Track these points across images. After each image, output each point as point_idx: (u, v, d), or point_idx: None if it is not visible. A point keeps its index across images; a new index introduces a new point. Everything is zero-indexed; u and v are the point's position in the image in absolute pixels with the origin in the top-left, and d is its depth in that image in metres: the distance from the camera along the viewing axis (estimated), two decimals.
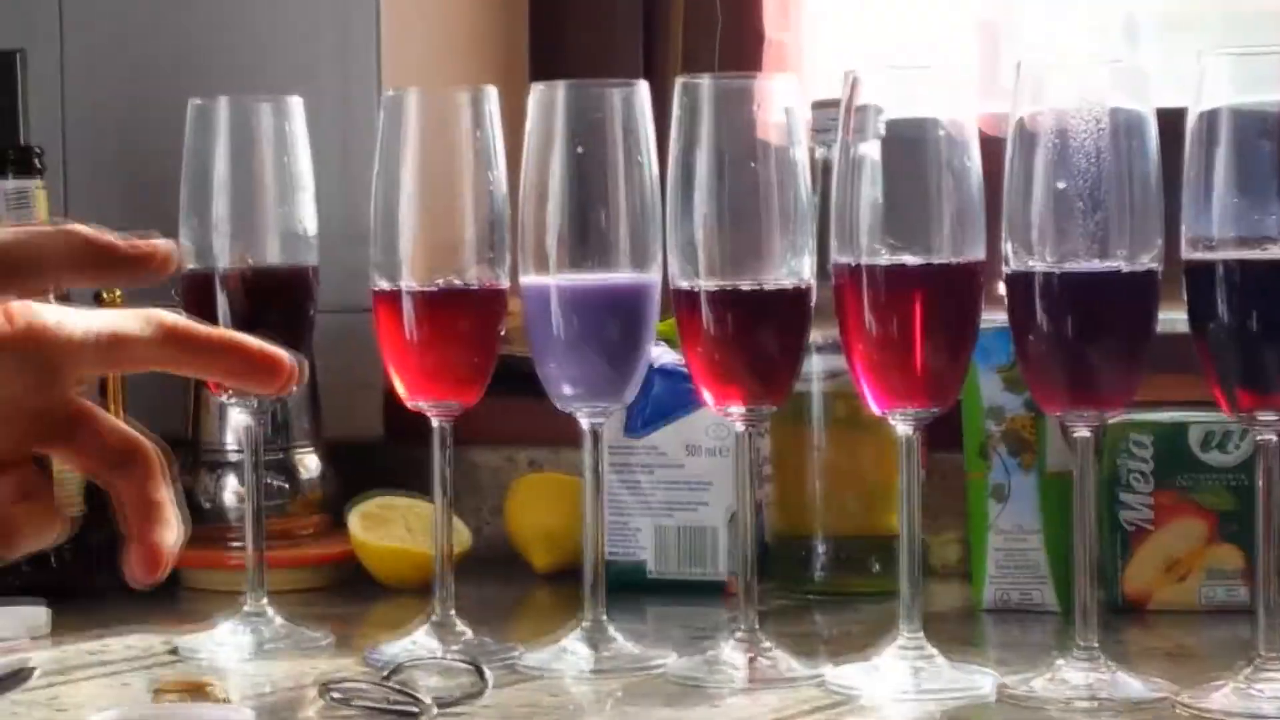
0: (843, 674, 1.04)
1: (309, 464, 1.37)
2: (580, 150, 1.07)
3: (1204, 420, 1.19)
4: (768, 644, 1.07)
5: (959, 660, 1.05)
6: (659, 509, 1.29)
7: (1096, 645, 1.01)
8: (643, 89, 1.08)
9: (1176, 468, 1.20)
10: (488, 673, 1.02)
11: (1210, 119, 0.95)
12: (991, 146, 1.02)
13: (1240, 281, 0.95)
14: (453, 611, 1.13)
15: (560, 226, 1.08)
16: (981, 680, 1.02)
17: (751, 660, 1.05)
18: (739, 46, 1.52)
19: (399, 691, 0.99)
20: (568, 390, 1.09)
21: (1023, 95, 0.99)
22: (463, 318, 1.12)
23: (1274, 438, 0.97)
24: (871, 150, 1.02)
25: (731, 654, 1.06)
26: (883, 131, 1.02)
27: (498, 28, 1.57)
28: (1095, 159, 0.97)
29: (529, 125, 1.09)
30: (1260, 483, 0.97)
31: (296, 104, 1.18)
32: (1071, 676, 1.00)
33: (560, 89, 1.08)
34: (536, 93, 1.09)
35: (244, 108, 1.17)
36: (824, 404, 1.27)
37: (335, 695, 1.00)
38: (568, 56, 1.55)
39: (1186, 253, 0.96)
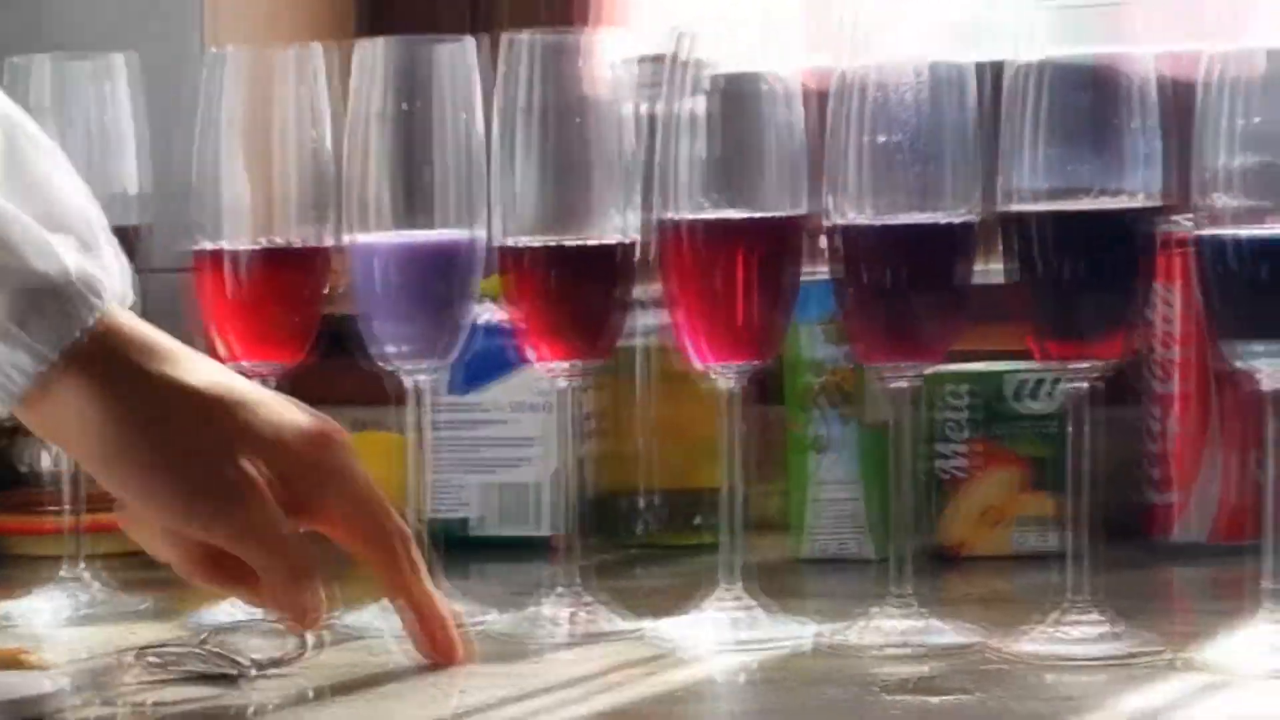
0: (663, 627, 1.05)
1: None
2: (405, 107, 1.07)
3: (1018, 370, 1.22)
4: (589, 599, 1.08)
5: (778, 611, 1.06)
6: (484, 466, 1.29)
7: (911, 593, 1.03)
8: (468, 45, 1.08)
9: (991, 417, 1.23)
10: (309, 635, 1.02)
11: (1027, 72, 0.96)
12: (814, 100, 1.03)
13: (1054, 233, 0.97)
14: None
15: (385, 184, 1.07)
16: (799, 630, 1.04)
17: (573, 615, 1.06)
18: (567, 1, 1.53)
19: (218, 654, 0.99)
20: (392, 349, 1.09)
21: (845, 49, 1.00)
22: (286, 277, 1.11)
23: (1085, 386, 0.99)
24: (696, 105, 1.03)
25: (553, 610, 1.07)
26: (708, 86, 1.03)
27: None
28: (915, 112, 0.98)
29: (353, 83, 1.08)
30: (1071, 431, 1.00)
31: (119, 61, 1.17)
32: (886, 624, 1.02)
33: (384, 46, 1.07)
34: (361, 50, 1.08)
35: (63, 66, 1.16)
36: (648, 359, 1.28)
37: (153, 660, 0.99)
38: (396, 12, 1.54)
39: (1003, 204, 0.98)
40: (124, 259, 0.93)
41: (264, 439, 0.92)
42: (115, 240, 0.93)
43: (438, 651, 0.98)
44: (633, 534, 1.30)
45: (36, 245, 0.89)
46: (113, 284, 0.92)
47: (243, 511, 0.91)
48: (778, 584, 1.17)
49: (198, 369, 0.93)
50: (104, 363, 0.90)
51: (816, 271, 1.04)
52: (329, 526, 0.97)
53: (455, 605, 1.02)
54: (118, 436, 0.90)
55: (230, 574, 0.95)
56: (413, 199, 1.07)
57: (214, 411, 0.91)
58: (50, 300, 0.89)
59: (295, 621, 0.95)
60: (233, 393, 0.93)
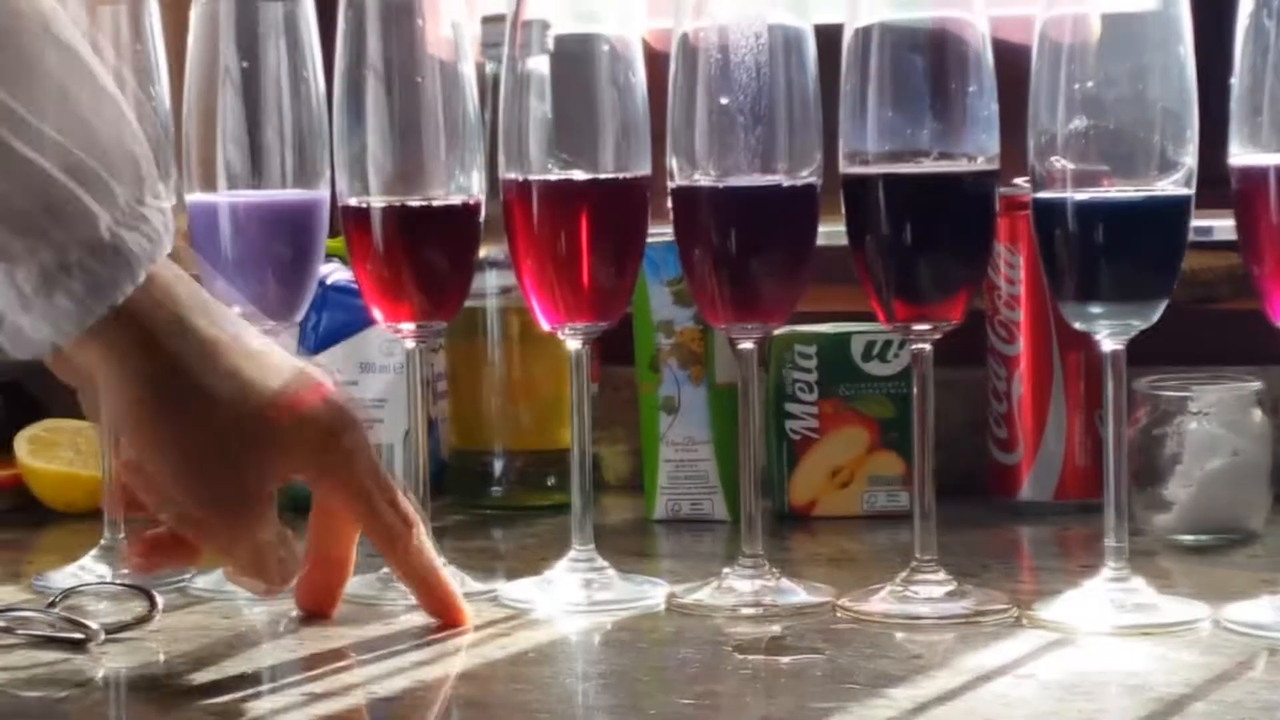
0: (516, 588, 1.05)
1: None
2: (245, 65, 1.06)
3: (866, 331, 1.23)
4: (442, 560, 1.07)
5: (631, 572, 1.06)
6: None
7: (762, 553, 1.03)
8: (306, 3, 1.07)
9: (839, 377, 1.23)
10: (158, 597, 1.01)
11: (865, 35, 0.96)
12: (661, 62, 1.03)
13: (894, 195, 0.97)
14: (122, 536, 1.11)
15: (225, 143, 1.06)
16: (652, 591, 1.04)
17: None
18: None
19: (66, 619, 0.98)
20: (237, 310, 1.08)
21: (685, 11, 0.99)
22: None
23: (928, 347, 1.00)
24: (539, 65, 1.02)
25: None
26: (550, 47, 1.02)
27: None
28: (755, 74, 0.98)
29: (191, 39, 1.07)
30: (916, 391, 1.01)
31: None
32: (738, 585, 1.02)
33: (223, 2, 1.06)
34: (199, 6, 1.07)
35: None
36: (498, 319, 1.28)
37: None
38: None
39: (844, 167, 0.98)
40: (163, 203, 0.90)
41: (278, 444, 0.92)
42: (155, 173, 0.89)
43: (442, 618, 1.00)
44: (487, 495, 1.29)
45: (78, 210, 0.85)
46: (161, 238, 0.89)
47: (244, 533, 0.92)
48: (630, 545, 1.18)
49: (227, 351, 0.91)
50: (126, 339, 0.88)
51: (665, 233, 1.04)
52: (332, 507, 0.98)
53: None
54: (129, 414, 0.89)
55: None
56: (254, 158, 1.06)
57: (236, 417, 0.90)
58: (80, 273, 0.86)
59: (255, 596, 0.99)
60: (255, 387, 0.91)
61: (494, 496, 1.29)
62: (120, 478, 0.97)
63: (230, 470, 0.91)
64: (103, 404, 0.90)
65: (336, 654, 0.95)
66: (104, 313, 0.87)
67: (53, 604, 1.02)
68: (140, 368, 0.89)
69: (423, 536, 0.99)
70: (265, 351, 0.93)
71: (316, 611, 1.01)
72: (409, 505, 0.98)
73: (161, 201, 0.89)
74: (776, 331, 1.22)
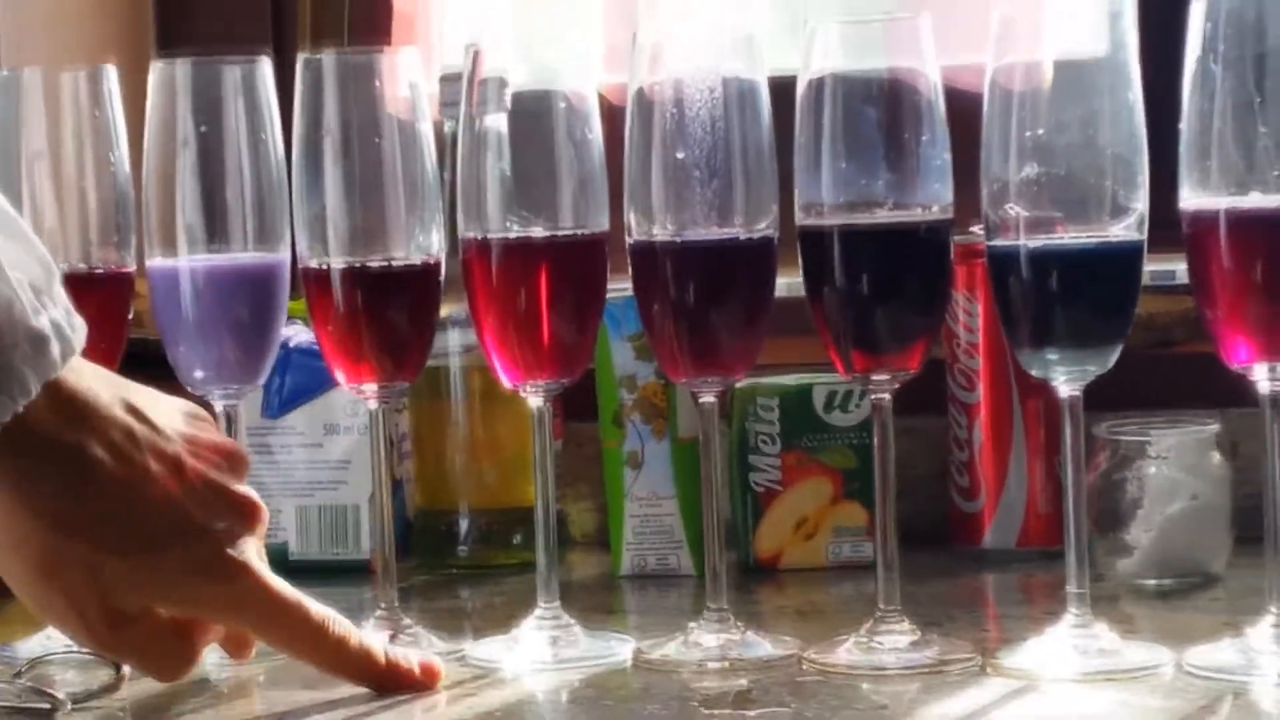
0: (482, 648, 1.05)
1: None
2: (203, 129, 1.06)
3: (827, 382, 1.23)
4: (408, 621, 1.07)
5: (597, 628, 1.07)
6: (300, 489, 1.28)
7: (727, 607, 1.03)
8: (264, 65, 1.07)
9: (802, 429, 1.24)
10: (124, 665, 1.01)
11: (818, 86, 0.97)
12: (618, 116, 1.04)
13: (850, 246, 0.98)
14: None
15: (185, 207, 1.06)
16: (618, 647, 1.04)
17: (392, 638, 1.05)
18: (368, 18, 1.52)
19: (32, 689, 0.97)
20: (199, 374, 1.08)
21: (640, 65, 1.00)
22: (88, 302, 1.09)
23: (887, 397, 1.00)
24: (497, 123, 1.03)
25: (372, 633, 1.06)
26: (508, 104, 1.03)
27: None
28: (710, 128, 0.99)
29: (150, 104, 1.07)
30: (876, 442, 1.01)
31: None
32: (704, 639, 1.03)
33: (180, 65, 1.06)
34: (156, 70, 1.07)
35: None
36: (461, 378, 1.28)
37: None
38: (195, 29, 1.53)
39: (800, 219, 0.99)
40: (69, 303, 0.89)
41: (158, 585, 0.91)
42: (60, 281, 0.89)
43: (408, 687, 0.98)
44: (454, 554, 1.29)
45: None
46: (71, 338, 0.88)
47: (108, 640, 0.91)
48: (597, 601, 1.18)
49: (100, 466, 0.89)
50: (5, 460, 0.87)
51: (625, 288, 1.04)
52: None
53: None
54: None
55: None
56: (213, 221, 1.06)
57: (99, 553, 0.89)
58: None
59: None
60: (134, 506, 0.89)
61: (460, 556, 1.29)
62: None
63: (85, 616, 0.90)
64: None
65: (306, 715, 0.95)
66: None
67: (18, 674, 1.01)
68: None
69: (337, 627, 0.96)
70: (147, 480, 0.90)
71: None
72: (311, 607, 0.95)
73: (45, 318, 0.87)
74: (738, 384, 1.23)
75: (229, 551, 0.92)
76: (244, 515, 0.93)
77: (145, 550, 0.90)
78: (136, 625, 0.91)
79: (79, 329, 0.89)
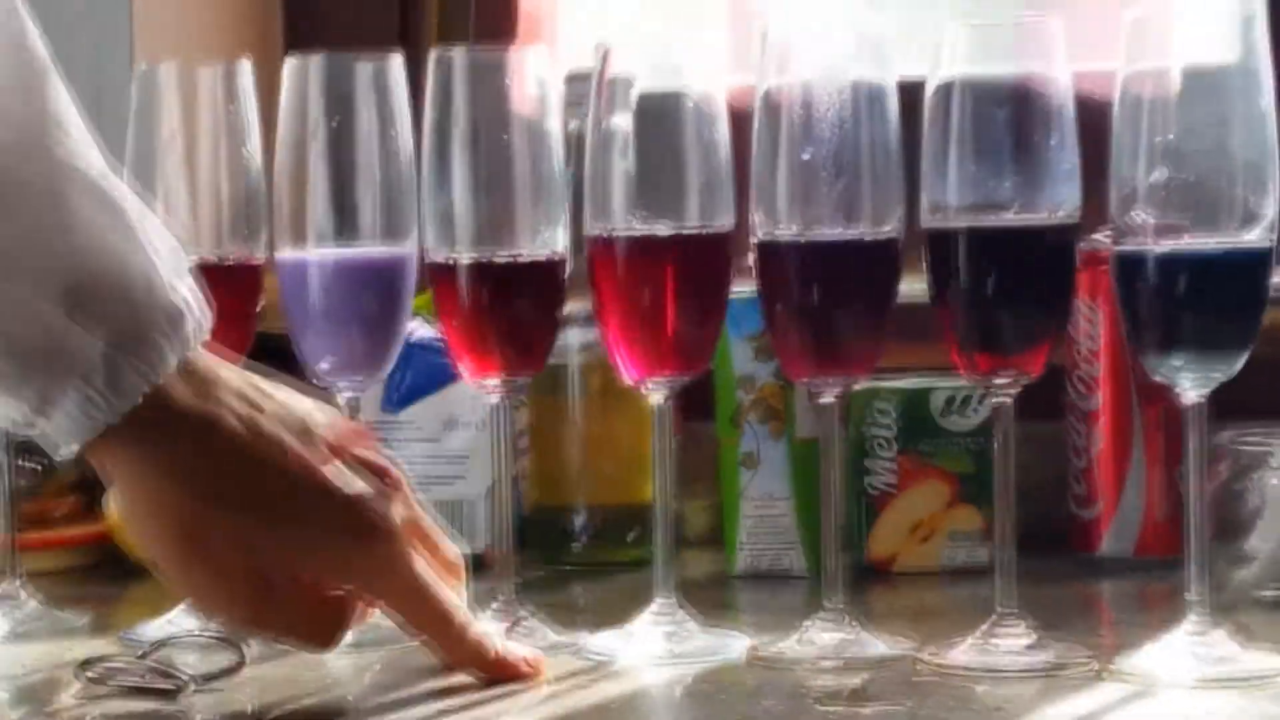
0: (598, 640, 1.06)
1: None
2: (335, 123, 1.08)
3: (945, 386, 1.23)
4: (524, 613, 1.08)
5: (711, 625, 1.07)
6: (418, 483, 1.29)
7: (842, 606, 1.04)
8: (395, 61, 1.09)
9: (919, 433, 1.24)
10: (246, 649, 1.02)
11: (947, 89, 0.97)
12: (743, 119, 1.04)
13: (976, 247, 0.98)
14: None
15: (315, 200, 1.08)
16: (733, 643, 1.05)
17: (509, 629, 1.06)
18: (495, 16, 1.53)
19: (156, 669, 0.99)
20: (325, 364, 1.10)
21: (768, 67, 1.01)
22: (218, 294, 1.11)
23: (1009, 400, 1.00)
24: (623, 122, 1.04)
25: (489, 623, 1.07)
26: (634, 104, 1.04)
27: None
28: (838, 128, 0.99)
29: (283, 99, 1.09)
30: (997, 445, 1.01)
31: None
32: (819, 637, 1.03)
33: (313, 61, 1.08)
34: (289, 66, 1.09)
35: None
36: (580, 375, 1.29)
37: (92, 675, 0.99)
38: (324, 27, 1.55)
39: (926, 220, 0.99)
40: (195, 290, 0.91)
41: (306, 543, 0.92)
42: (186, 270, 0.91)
43: (516, 680, 0.99)
44: (568, 550, 1.30)
45: (124, 298, 0.87)
46: (201, 320, 0.90)
47: (257, 612, 0.92)
48: (711, 598, 1.18)
49: (248, 444, 0.91)
50: (159, 429, 0.89)
51: (747, 288, 1.05)
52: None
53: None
54: (148, 513, 0.90)
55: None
56: (343, 214, 1.08)
57: (252, 513, 0.91)
58: (128, 359, 0.87)
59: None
60: (282, 476, 0.91)
61: (574, 552, 1.30)
62: None
63: (245, 575, 0.91)
64: (123, 504, 0.91)
65: (421, 702, 0.96)
66: (112, 420, 0.87)
67: (143, 655, 1.03)
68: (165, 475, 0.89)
69: (462, 613, 0.97)
70: (292, 455, 0.92)
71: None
72: (443, 589, 0.97)
73: (179, 296, 0.89)
74: (856, 387, 1.23)
75: (371, 517, 0.93)
76: (382, 480, 0.94)
77: (289, 518, 0.91)
78: (283, 594, 0.92)
79: (208, 311, 0.91)
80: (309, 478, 0.92)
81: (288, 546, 0.92)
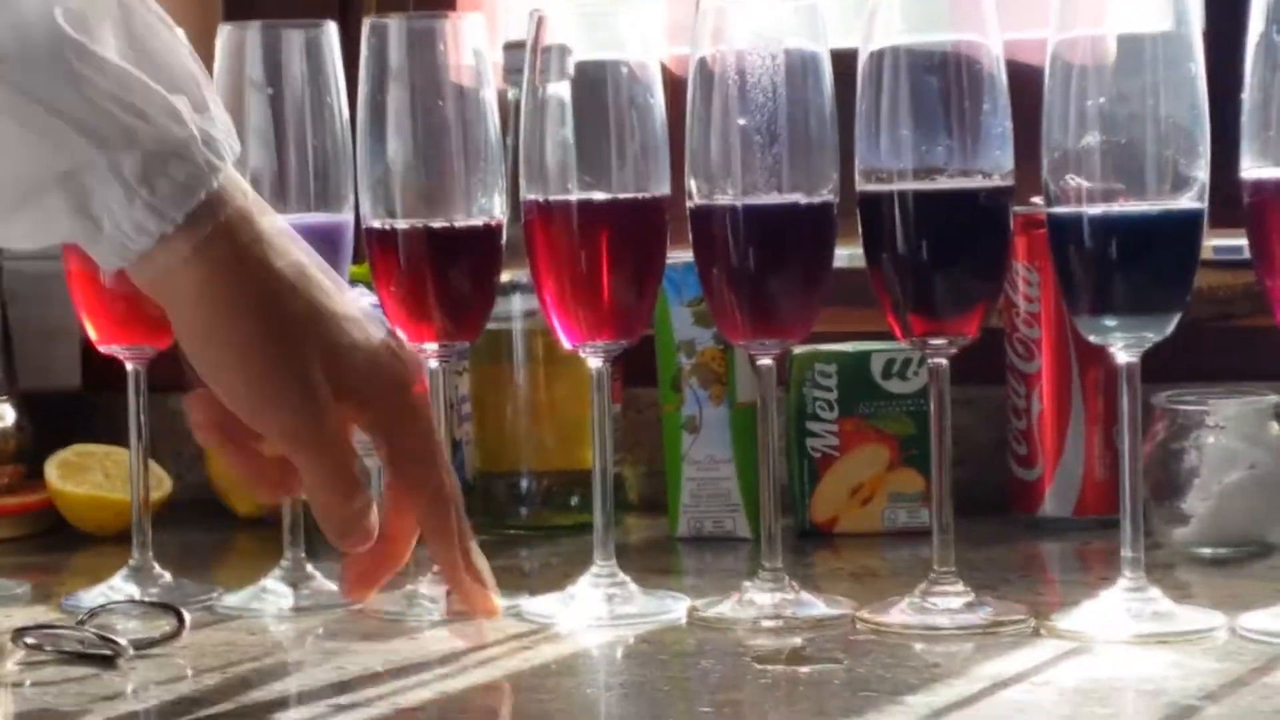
0: (539, 604, 1.06)
1: (3, 414, 1.35)
2: (269, 90, 1.08)
3: (885, 349, 1.24)
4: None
5: (653, 588, 1.08)
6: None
7: (782, 568, 1.04)
8: (330, 29, 1.09)
9: (860, 396, 1.24)
10: (185, 614, 1.02)
11: (879, 56, 0.98)
12: (680, 87, 1.05)
13: (909, 211, 0.99)
14: (151, 556, 1.13)
15: (251, 168, 1.08)
16: (673, 605, 1.05)
17: (448, 594, 1.06)
18: None
19: (95, 636, 0.99)
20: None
21: (703, 35, 1.01)
22: None
23: (945, 362, 1.01)
24: (560, 90, 1.04)
25: (429, 588, 1.07)
26: (571, 72, 1.04)
27: None
28: (773, 95, 1.00)
29: (217, 67, 1.09)
30: (933, 407, 1.02)
31: None
32: (758, 598, 1.03)
33: (248, 30, 1.08)
34: (224, 34, 1.09)
35: None
36: (523, 342, 1.29)
37: (30, 641, 0.99)
38: None
39: (860, 185, 1.00)
40: (226, 115, 0.92)
41: (347, 364, 0.93)
42: (218, 97, 0.93)
43: (475, 608, 1.02)
44: (513, 515, 1.31)
45: (163, 107, 0.89)
46: (231, 143, 0.92)
47: (309, 420, 0.92)
48: (653, 562, 1.19)
49: (300, 266, 0.93)
50: (217, 236, 0.90)
51: (685, 255, 1.05)
52: (400, 474, 0.98)
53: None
54: (211, 317, 0.91)
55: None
56: (280, 183, 1.08)
57: (308, 323, 0.92)
58: (177, 162, 0.89)
59: (338, 536, 0.95)
60: (328, 304, 0.93)
61: (519, 517, 1.31)
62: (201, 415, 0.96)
63: (287, 359, 0.92)
64: (176, 317, 0.91)
65: (362, 666, 0.96)
66: (202, 198, 0.89)
67: (81, 622, 1.03)
68: (198, 285, 0.90)
69: (463, 518, 1.00)
70: (337, 288, 0.95)
71: (356, 593, 1.00)
72: (456, 486, 1.00)
73: (217, 112, 0.91)
74: (796, 351, 1.24)
75: (406, 364, 0.96)
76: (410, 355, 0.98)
77: (343, 343, 0.93)
78: (327, 417, 0.93)
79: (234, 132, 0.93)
80: (354, 316, 0.94)
81: (342, 369, 0.93)
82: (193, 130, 0.89)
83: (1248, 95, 0.94)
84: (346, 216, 1.09)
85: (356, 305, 0.96)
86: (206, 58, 1.09)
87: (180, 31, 0.93)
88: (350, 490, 0.94)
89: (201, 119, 0.90)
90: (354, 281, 1.16)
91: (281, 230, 0.93)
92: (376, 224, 1.07)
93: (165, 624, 1.02)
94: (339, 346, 0.93)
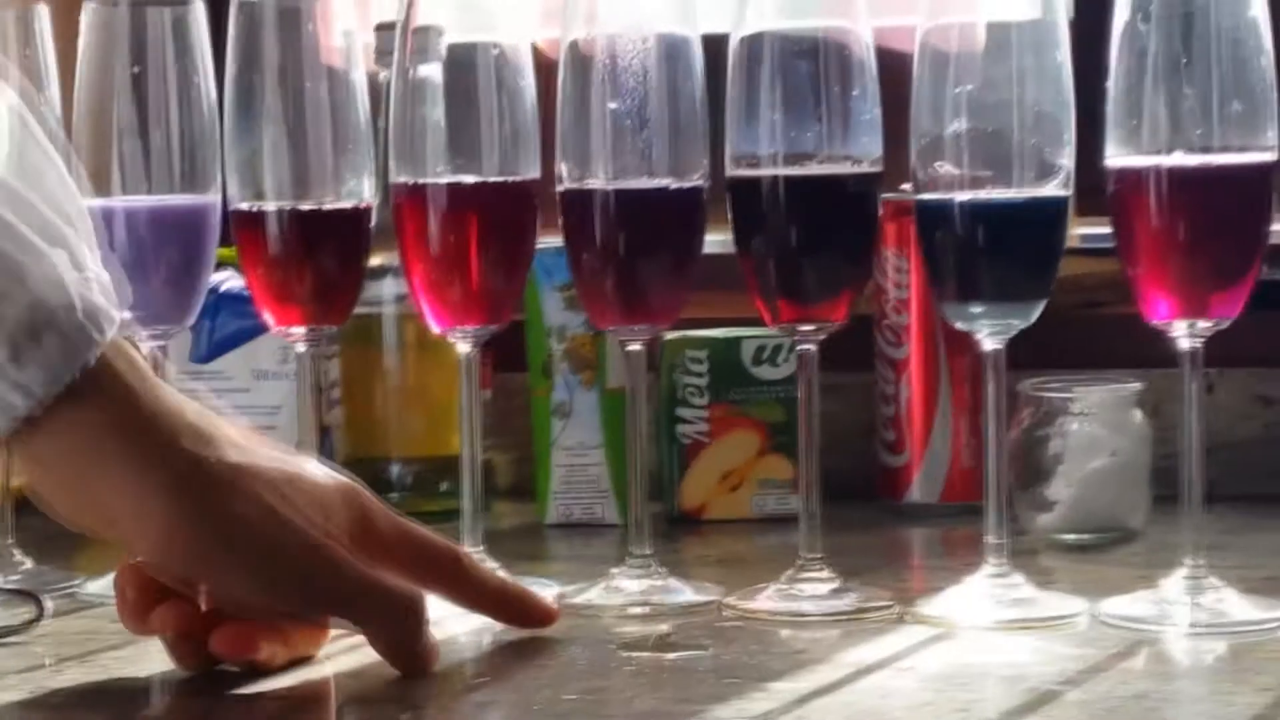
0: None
1: None
2: (136, 70, 1.06)
3: (755, 335, 1.24)
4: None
5: (522, 574, 1.07)
6: None
7: (650, 554, 1.04)
8: (198, 8, 1.08)
9: (730, 382, 1.25)
10: (46, 601, 1.01)
11: (751, 41, 0.98)
12: (553, 71, 1.04)
13: (779, 197, 0.99)
14: (11, 543, 1.12)
15: (117, 148, 1.06)
16: (541, 591, 1.05)
17: None
18: None
19: None
20: (127, 315, 1.08)
21: (574, 18, 1.01)
22: None
23: (813, 348, 1.01)
24: (431, 72, 1.03)
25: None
26: (443, 53, 1.03)
27: None
28: (644, 80, 1.00)
29: (82, 44, 1.07)
30: (801, 393, 1.02)
31: None
32: (626, 584, 1.04)
33: (114, 8, 1.07)
34: (89, 11, 1.07)
35: None
36: (394, 326, 1.29)
37: None
38: None
39: (730, 170, 1.00)
40: (105, 274, 0.87)
41: (312, 506, 0.89)
42: (97, 248, 0.88)
43: (533, 619, 0.98)
44: (384, 502, 1.30)
45: (42, 273, 0.83)
46: (111, 311, 0.86)
47: (334, 572, 0.88)
48: (522, 548, 1.19)
49: (200, 437, 0.88)
50: (93, 413, 0.85)
51: (557, 241, 1.05)
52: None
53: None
54: (166, 513, 0.85)
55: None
56: (145, 164, 1.07)
57: (265, 487, 0.87)
58: (51, 335, 0.83)
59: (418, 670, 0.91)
60: (272, 462, 0.89)
61: (389, 503, 1.29)
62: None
63: (270, 530, 0.87)
64: (132, 539, 0.87)
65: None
66: (75, 376, 0.84)
67: None
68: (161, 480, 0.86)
69: (471, 563, 0.96)
70: (242, 431, 0.91)
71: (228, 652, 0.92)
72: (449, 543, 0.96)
73: (97, 271, 0.87)
74: (667, 337, 1.24)
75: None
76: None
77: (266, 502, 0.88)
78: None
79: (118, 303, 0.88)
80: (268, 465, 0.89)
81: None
82: (72, 297, 0.84)
83: (1113, 84, 0.95)
84: (213, 198, 1.08)
85: (278, 458, 0.90)
86: (72, 36, 1.08)
87: (61, 164, 0.88)
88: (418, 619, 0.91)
89: (81, 280, 0.85)
90: (222, 264, 1.15)
91: (170, 409, 0.88)
92: (244, 206, 1.06)
93: (25, 611, 1.00)
94: (295, 497, 0.89)
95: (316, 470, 0.92)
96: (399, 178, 1.04)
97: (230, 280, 1.26)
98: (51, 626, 1.00)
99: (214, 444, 0.88)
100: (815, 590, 1.01)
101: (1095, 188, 0.98)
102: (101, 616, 1.03)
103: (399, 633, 0.90)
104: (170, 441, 0.86)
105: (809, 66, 0.98)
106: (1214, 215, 0.95)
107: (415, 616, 0.91)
